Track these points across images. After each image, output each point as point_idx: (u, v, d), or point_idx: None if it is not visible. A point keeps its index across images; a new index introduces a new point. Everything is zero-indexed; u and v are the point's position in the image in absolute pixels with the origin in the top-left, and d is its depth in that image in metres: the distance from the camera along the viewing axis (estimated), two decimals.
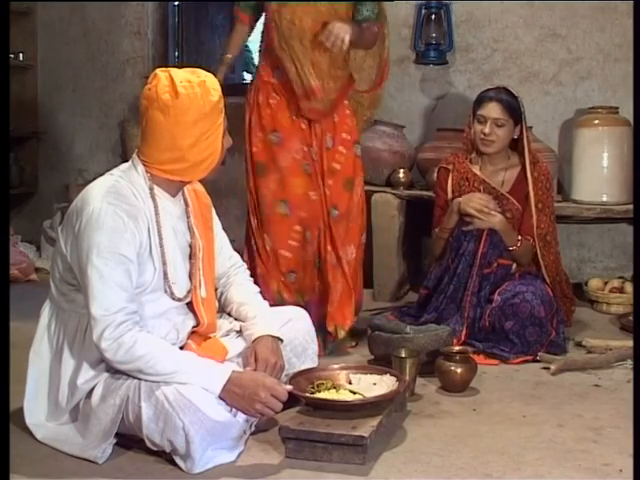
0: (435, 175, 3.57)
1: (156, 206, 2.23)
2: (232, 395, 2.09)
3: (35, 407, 2.25)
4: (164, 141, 2.18)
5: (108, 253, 2.09)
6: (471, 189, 3.30)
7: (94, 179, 2.27)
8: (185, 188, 2.36)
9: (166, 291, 2.24)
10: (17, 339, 2.45)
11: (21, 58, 5.35)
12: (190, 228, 2.35)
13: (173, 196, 2.30)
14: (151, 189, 2.23)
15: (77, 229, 2.13)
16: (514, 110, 3.25)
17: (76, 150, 5.49)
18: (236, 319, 2.49)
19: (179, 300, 2.28)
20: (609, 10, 4.43)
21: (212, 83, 2.22)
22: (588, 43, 4.50)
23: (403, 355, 2.67)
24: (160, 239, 2.22)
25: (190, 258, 2.33)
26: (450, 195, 3.35)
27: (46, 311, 2.28)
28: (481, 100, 3.30)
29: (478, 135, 3.27)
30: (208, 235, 2.41)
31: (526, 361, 3.03)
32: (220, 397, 2.09)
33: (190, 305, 2.33)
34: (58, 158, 5.55)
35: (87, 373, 2.17)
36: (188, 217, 2.35)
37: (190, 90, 2.16)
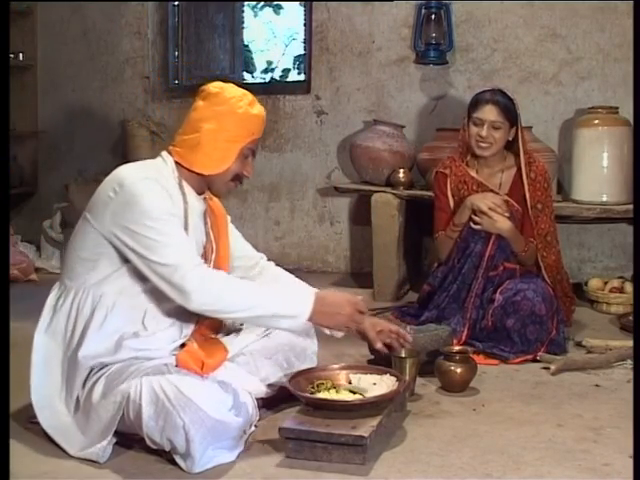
0: (433, 179, 3.53)
1: (184, 195, 2.31)
2: (320, 315, 2.23)
3: (44, 387, 2.22)
4: (191, 123, 2.31)
5: (164, 214, 2.18)
6: (469, 192, 3.29)
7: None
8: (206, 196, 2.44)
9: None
10: (17, 339, 2.45)
11: (21, 58, 5.35)
12: (207, 233, 2.41)
13: (198, 194, 2.37)
14: (179, 181, 2.31)
15: (119, 203, 2.17)
16: (510, 112, 3.23)
17: (76, 150, 5.50)
18: None
19: None
20: (609, 10, 4.44)
21: (261, 108, 2.36)
22: (588, 43, 4.50)
23: (403, 355, 2.67)
24: (186, 228, 2.28)
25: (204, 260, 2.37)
26: (450, 199, 3.34)
27: (54, 293, 2.29)
28: (477, 102, 3.26)
29: (474, 138, 3.24)
30: (223, 242, 2.47)
31: (526, 360, 3.03)
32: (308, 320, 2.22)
33: None
34: (58, 158, 5.56)
35: (98, 348, 2.18)
36: (205, 222, 2.41)
37: (236, 93, 2.32)
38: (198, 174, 2.32)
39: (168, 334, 2.28)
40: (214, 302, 2.16)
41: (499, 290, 3.11)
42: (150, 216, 2.15)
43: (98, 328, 2.19)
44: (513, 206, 3.27)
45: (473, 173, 3.34)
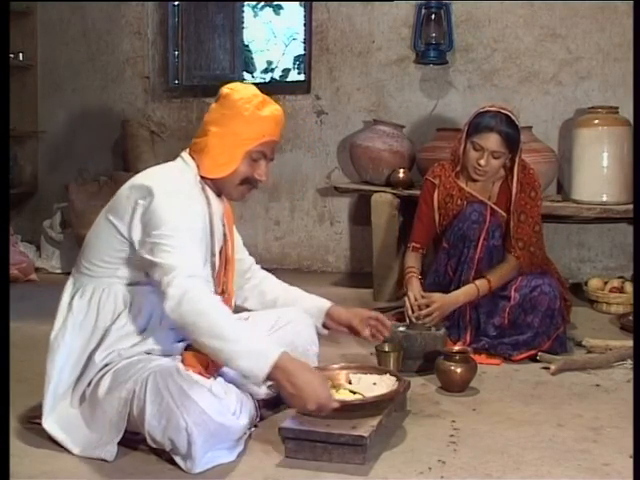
0: (422, 185, 3.42)
1: (207, 197, 2.29)
2: (279, 383, 2.02)
3: (60, 386, 2.19)
4: (202, 126, 2.30)
5: (182, 228, 2.12)
6: (455, 206, 3.22)
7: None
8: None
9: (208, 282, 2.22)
10: (17, 339, 2.45)
11: (21, 58, 5.36)
12: (225, 234, 2.39)
13: (218, 196, 2.35)
14: (202, 185, 2.29)
15: (145, 208, 2.14)
16: (512, 141, 3.10)
17: (76, 150, 5.49)
18: None
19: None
20: (609, 10, 4.44)
21: (273, 108, 2.29)
22: (588, 43, 4.50)
23: (386, 349, 2.74)
24: (211, 231, 2.28)
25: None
26: (436, 211, 3.29)
27: (68, 292, 2.25)
28: (480, 127, 3.09)
29: (472, 163, 3.13)
30: (232, 242, 2.46)
31: (530, 356, 3.02)
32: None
33: None
34: (58, 158, 5.56)
35: (116, 345, 2.17)
36: (223, 224, 2.39)
37: (245, 94, 2.27)
38: (209, 178, 2.30)
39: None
40: (186, 317, 2.02)
41: (513, 288, 3.10)
42: (167, 226, 2.11)
43: (121, 327, 2.18)
44: (502, 216, 3.18)
45: (463, 184, 3.25)
